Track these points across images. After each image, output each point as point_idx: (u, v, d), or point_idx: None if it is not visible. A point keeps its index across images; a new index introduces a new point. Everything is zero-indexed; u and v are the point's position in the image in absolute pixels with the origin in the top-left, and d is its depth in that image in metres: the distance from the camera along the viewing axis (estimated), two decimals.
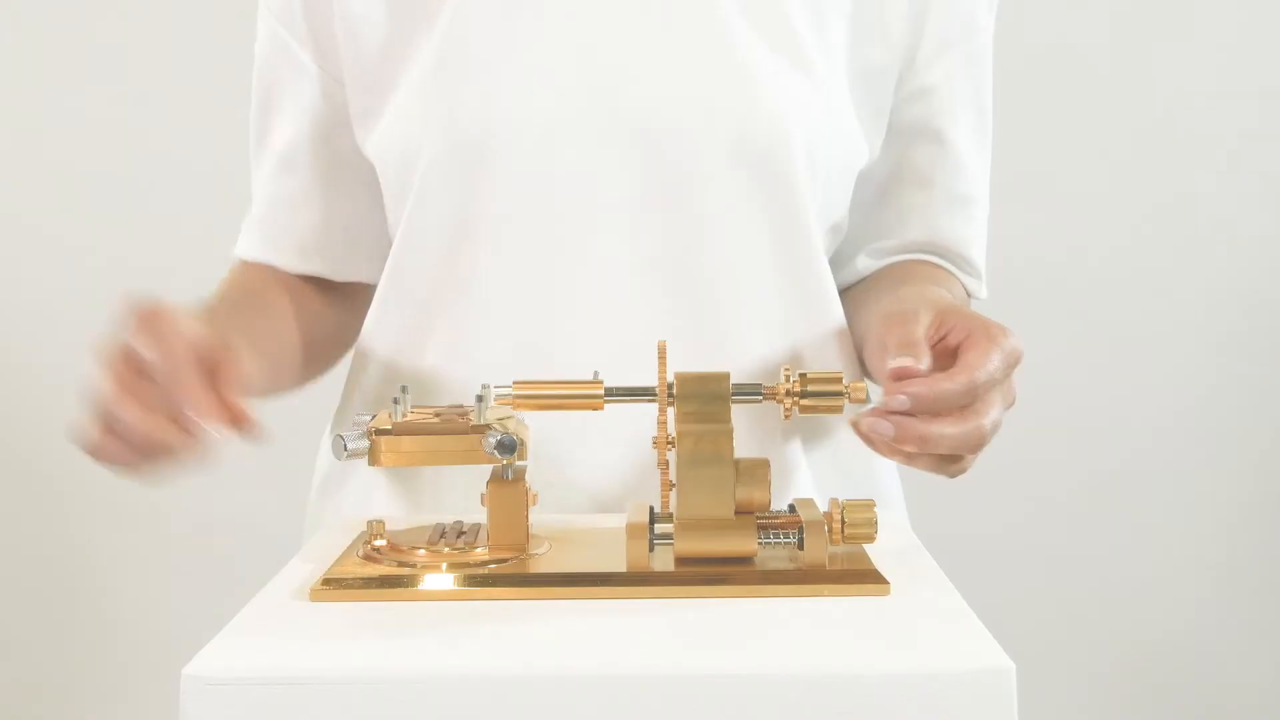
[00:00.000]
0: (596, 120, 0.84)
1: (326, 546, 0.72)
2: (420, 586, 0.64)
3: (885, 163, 0.94)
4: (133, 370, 0.68)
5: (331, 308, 0.98)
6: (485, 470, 0.68)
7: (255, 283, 0.95)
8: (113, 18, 1.85)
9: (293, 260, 0.96)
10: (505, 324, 0.86)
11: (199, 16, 1.82)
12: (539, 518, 0.70)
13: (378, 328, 0.91)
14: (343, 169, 0.95)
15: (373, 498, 0.89)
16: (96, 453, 0.69)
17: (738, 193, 0.85)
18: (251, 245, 0.97)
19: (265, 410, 0.75)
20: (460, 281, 0.87)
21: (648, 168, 0.84)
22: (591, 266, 0.85)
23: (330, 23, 0.91)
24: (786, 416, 0.67)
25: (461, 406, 0.71)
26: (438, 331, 0.88)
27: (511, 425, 0.66)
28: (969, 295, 0.95)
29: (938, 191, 0.94)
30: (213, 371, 0.68)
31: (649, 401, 0.67)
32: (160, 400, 0.67)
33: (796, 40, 0.87)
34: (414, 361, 0.88)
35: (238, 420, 0.66)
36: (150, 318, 0.69)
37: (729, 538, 0.65)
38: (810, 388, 0.67)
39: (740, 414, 0.68)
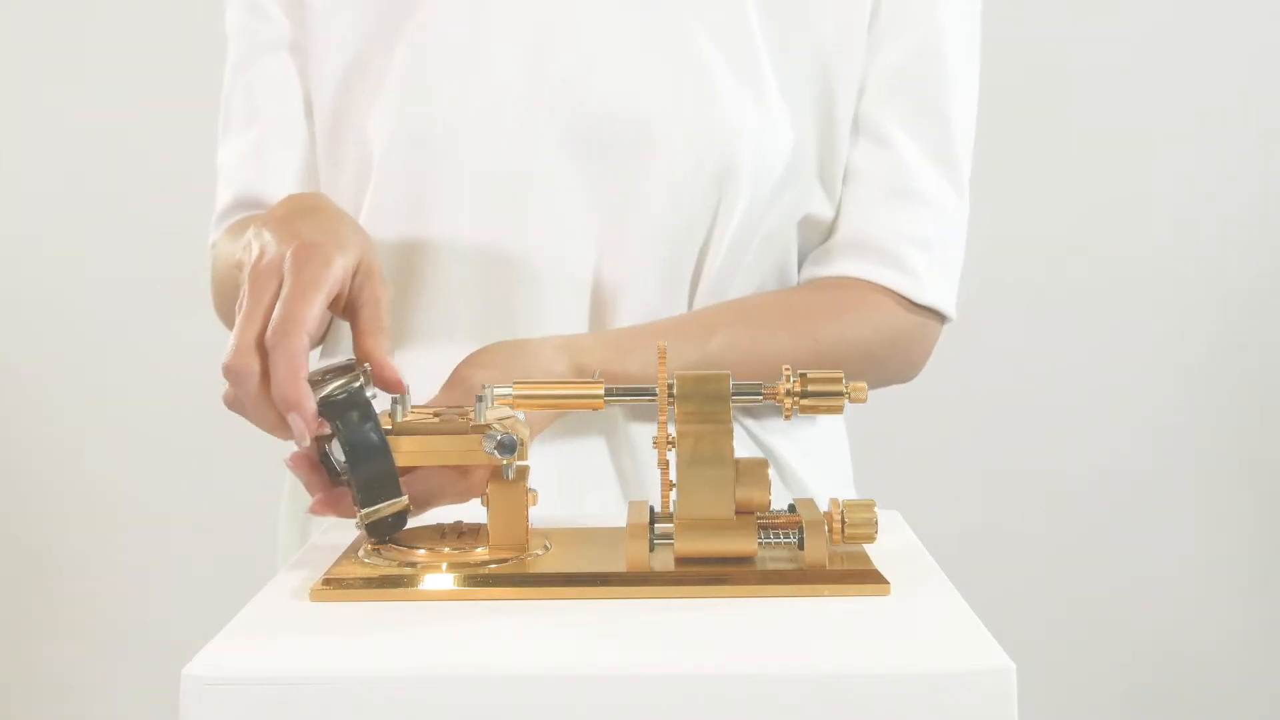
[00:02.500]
0: (554, 131, 0.86)
1: (327, 547, 0.72)
2: (420, 586, 0.64)
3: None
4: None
5: None
6: None
7: None
8: (111, 19, 1.86)
9: None
10: (457, 329, 0.87)
11: (197, 19, 1.82)
12: (539, 517, 0.70)
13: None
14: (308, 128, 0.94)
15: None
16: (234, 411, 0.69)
17: (691, 205, 0.86)
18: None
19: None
20: (412, 289, 0.88)
21: (603, 177, 0.86)
22: (544, 275, 0.87)
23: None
24: (787, 416, 0.67)
25: (461, 406, 0.71)
26: (400, 328, 0.89)
27: (511, 425, 0.66)
28: (909, 299, 0.91)
29: (868, 185, 0.91)
30: (356, 312, 0.69)
31: (649, 401, 0.67)
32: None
33: (757, 62, 0.87)
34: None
35: (306, 426, 0.65)
36: (306, 265, 0.67)
37: (729, 538, 0.65)
38: (810, 388, 0.67)
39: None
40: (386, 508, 0.66)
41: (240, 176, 0.93)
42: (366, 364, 0.68)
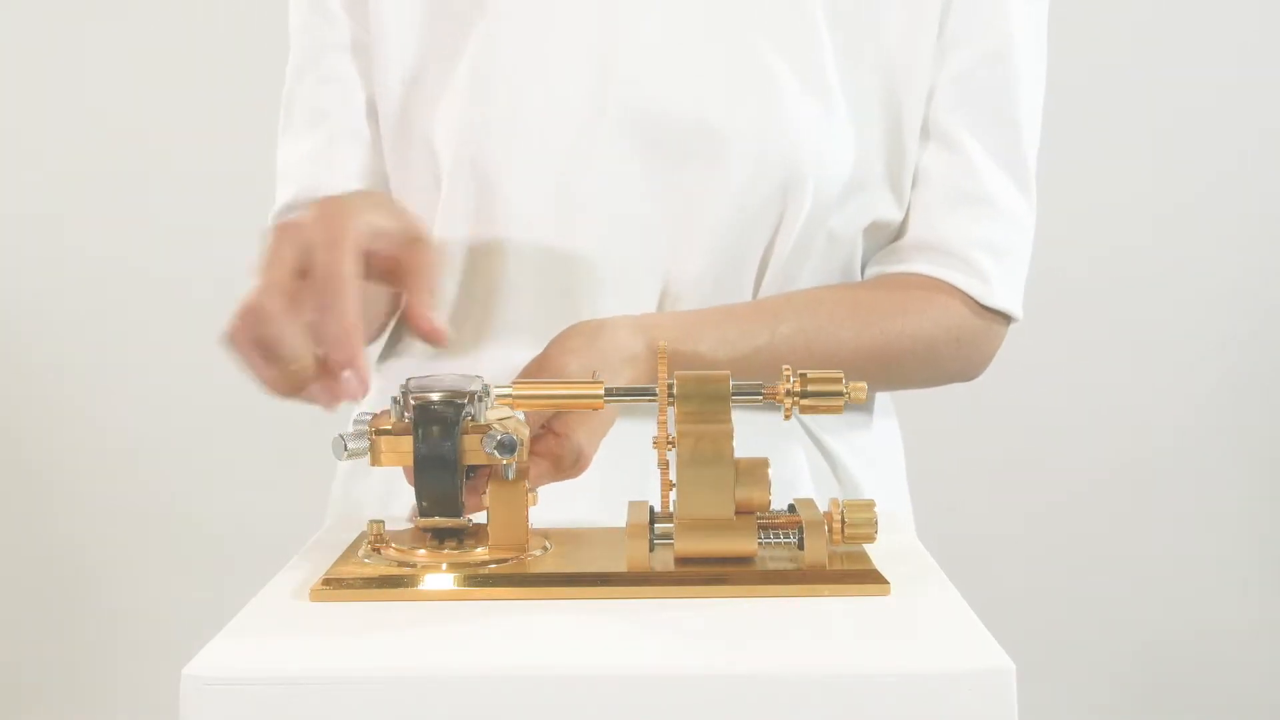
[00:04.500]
0: (619, 133, 0.86)
1: (326, 546, 0.72)
2: (420, 586, 0.64)
3: None
4: (297, 274, 0.66)
5: None
6: None
7: None
8: (111, 19, 1.86)
9: None
10: (524, 330, 0.87)
11: (198, 19, 1.82)
12: (539, 517, 0.70)
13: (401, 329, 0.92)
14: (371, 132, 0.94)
15: (394, 489, 0.89)
16: (237, 350, 0.67)
17: (754, 211, 0.86)
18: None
19: (276, 411, 0.75)
20: (481, 290, 0.88)
21: (667, 180, 0.86)
22: (607, 278, 0.87)
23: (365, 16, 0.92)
24: (787, 416, 0.67)
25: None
26: (470, 328, 0.89)
27: (511, 425, 0.66)
28: (977, 301, 0.91)
29: (937, 189, 0.91)
30: (404, 273, 0.69)
31: (649, 401, 0.67)
32: (311, 322, 0.65)
33: (823, 70, 0.87)
34: (436, 365, 0.88)
35: (360, 383, 0.66)
36: (329, 218, 0.67)
37: (729, 538, 0.65)
38: (810, 387, 0.67)
39: (746, 420, 0.68)
40: (443, 522, 0.66)
41: (303, 176, 0.94)
42: (487, 386, 0.67)
